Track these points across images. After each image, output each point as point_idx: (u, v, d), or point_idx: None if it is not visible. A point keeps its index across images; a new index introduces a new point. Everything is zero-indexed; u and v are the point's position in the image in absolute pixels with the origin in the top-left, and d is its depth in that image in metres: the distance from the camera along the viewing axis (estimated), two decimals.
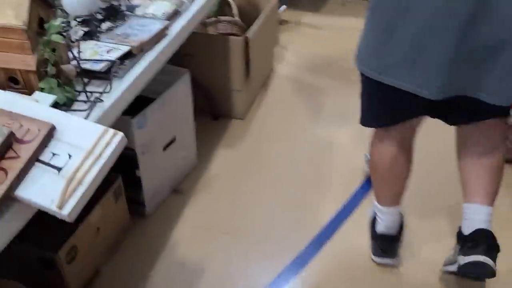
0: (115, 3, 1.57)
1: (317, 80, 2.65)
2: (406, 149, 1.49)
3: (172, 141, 1.82)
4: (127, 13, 1.56)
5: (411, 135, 1.51)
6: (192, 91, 2.16)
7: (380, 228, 1.61)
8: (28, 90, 1.13)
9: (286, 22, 3.10)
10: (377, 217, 1.63)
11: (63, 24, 1.39)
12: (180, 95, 1.80)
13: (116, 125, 1.33)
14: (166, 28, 1.46)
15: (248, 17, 2.55)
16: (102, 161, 0.92)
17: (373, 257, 1.68)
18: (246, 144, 2.22)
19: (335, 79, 2.64)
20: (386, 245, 1.63)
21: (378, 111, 1.45)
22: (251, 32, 2.16)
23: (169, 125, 1.79)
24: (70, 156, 0.92)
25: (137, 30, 1.43)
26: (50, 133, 0.93)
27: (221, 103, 2.32)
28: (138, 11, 1.54)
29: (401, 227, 1.64)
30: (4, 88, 1.13)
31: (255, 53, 2.22)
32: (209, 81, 2.26)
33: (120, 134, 0.94)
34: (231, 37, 2.13)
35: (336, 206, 1.92)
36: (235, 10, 2.51)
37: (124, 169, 1.65)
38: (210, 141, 2.21)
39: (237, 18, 2.47)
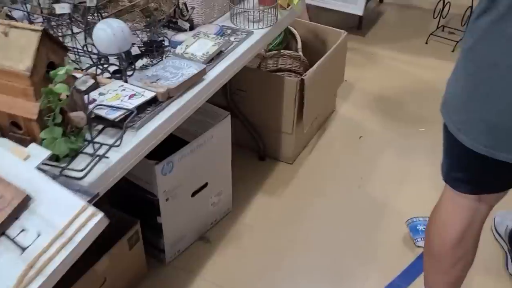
0: (158, 37, 1.47)
1: (382, 126, 2.41)
2: (479, 227, 1.25)
3: (203, 187, 1.68)
4: (168, 49, 1.46)
5: (489, 210, 1.24)
6: (240, 127, 2.03)
7: None
8: (30, 136, 1.04)
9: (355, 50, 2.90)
10: None
11: (88, 64, 1.31)
12: (218, 139, 1.65)
13: (138, 168, 1.23)
14: (201, 73, 1.33)
15: (314, 52, 2.38)
16: (71, 246, 0.78)
17: None
18: (289, 193, 2.03)
19: (402, 127, 2.39)
20: None
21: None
22: (310, 73, 1.98)
23: (202, 170, 1.65)
24: (39, 234, 0.80)
25: (170, 72, 1.31)
26: (23, 204, 0.82)
27: (269, 143, 2.15)
28: (179, 49, 1.43)
29: None
30: (7, 132, 1.05)
31: (312, 95, 2.03)
32: (258, 119, 2.11)
33: (99, 216, 0.81)
34: (286, 77, 1.96)
35: (381, 283, 1.69)
36: (299, 44, 2.34)
37: (144, 214, 1.55)
38: (251, 184, 2.05)
39: (300, 53, 2.30)
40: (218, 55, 1.45)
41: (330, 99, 2.45)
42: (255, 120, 2.10)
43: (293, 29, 2.40)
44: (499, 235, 1.82)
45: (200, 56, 1.40)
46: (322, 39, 2.39)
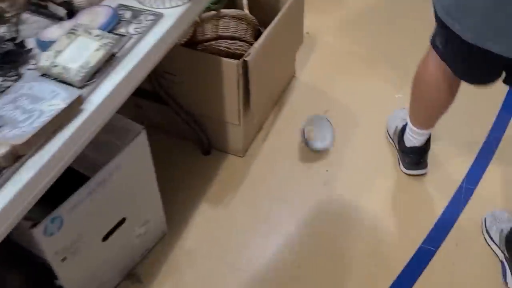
0: (11, 36, 0.98)
1: (351, 94, 1.98)
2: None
3: (120, 223, 1.28)
4: (34, 55, 0.98)
5: None
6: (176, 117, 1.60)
7: (411, 143, 1.64)
8: None
9: None
10: (408, 135, 1.64)
11: None
12: (130, 165, 1.22)
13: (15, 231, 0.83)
14: (73, 105, 0.86)
15: (266, 6, 1.90)
16: None
17: (403, 169, 1.70)
18: (238, 200, 1.63)
19: (376, 94, 1.98)
20: (418, 157, 1.65)
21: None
22: (255, 50, 1.50)
23: (113, 207, 1.23)
24: None
25: (22, 110, 0.83)
26: None
27: (213, 134, 1.73)
28: (44, 60, 0.95)
29: (429, 137, 1.64)
30: None
31: (260, 78, 1.58)
32: (196, 108, 1.66)
33: None
34: (223, 59, 1.48)
35: None
36: (245, 0, 1.84)
37: (38, 279, 1.16)
38: (191, 192, 1.65)
39: (246, 11, 1.81)
40: (107, 63, 0.99)
41: (287, 66, 1.99)
42: (192, 109, 1.65)
43: None
44: (492, 240, 1.51)
45: (76, 71, 0.93)
46: None
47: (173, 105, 1.62)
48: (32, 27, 1.07)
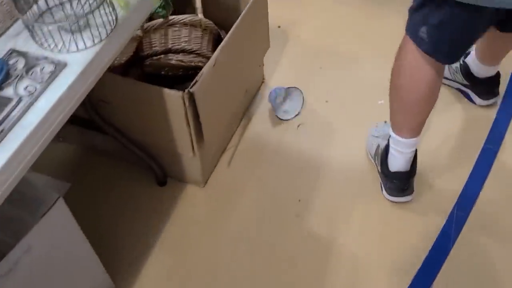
0: None
1: (327, 103, 1.74)
2: (442, 71, 1.27)
3: None
4: None
5: None
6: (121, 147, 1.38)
7: (396, 165, 1.43)
8: None
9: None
10: (392, 153, 1.44)
11: None
12: (49, 239, 1.00)
13: None
14: None
15: (225, 9, 1.64)
16: None
17: (387, 196, 1.48)
18: (198, 245, 1.41)
19: (355, 102, 1.74)
20: (404, 182, 1.45)
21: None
22: (203, 77, 1.23)
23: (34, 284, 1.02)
24: None
25: None
26: None
27: (168, 163, 1.50)
28: None
29: (415, 159, 1.45)
30: None
31: (213, 106, 1.35)
32: (143, 137, 1.42)
33: None
34: (165, 91, 1.21)
35: None
36: (198, 3, 1.57)
37: None
38: (144, 230, 1.43)
39: (200, 16, 1.55)
40: None
41: (253, 74, 1.73)
42: (139, 138, 1.42)
43: None
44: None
45: None
46: None
47: (115, 135, 1.38)
48: None
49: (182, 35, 1.51)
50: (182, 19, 1.49)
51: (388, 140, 1.45)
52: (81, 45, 0.89)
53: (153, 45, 1.49)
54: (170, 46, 1.48)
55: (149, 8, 1.01)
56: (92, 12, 0.88)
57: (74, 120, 1.03)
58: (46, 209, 0.94)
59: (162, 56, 1.48)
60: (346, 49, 1.90)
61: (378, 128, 1.59)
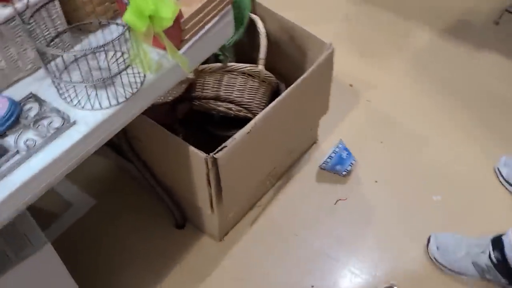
0: None
1: (381, 183, 1.59)
2: None
3: None
4: None
5: None
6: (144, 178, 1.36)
7: None
8: None
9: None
10: None
11: None
12: (33, 279, 0.96)
13: None
14: None
15: (289, 61, 1.56)
16: None
17: None
18: None
19: (410, 192, 1.58)
20: None
21: None
22: (230, 146, 1.17)
23: None
24: None
25: None
26: None
27: (188, 209, 1.46)
28: None
29: None
30: None
31: (239, 175, 1.28)
32: (167, 181, 1.39)
33: None
34: (191, 149, 1.16)
35: None
36: (262, 54, 1.50)
37: None
38: (148, 270, 1.39)
39: (260, 67, 1.48)
40: None
41: (304, 135, 1.64)
42: (162, 180, 1.40)
43: (258, 23, 1.54)
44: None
45: None
46: (300, 46, 1.52)
47: (142, 171, 1.36)
48: None
49: (237, 84, 1.45)
50: (241, 68, 1.44)
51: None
52: (96, 104, 0.86)
53: (205, 88, 1.45)
54: (221, 93, 1.43)
55: (179, 76, 0.96)
56: (119, 73, 0.85)
57: (110, 143, 1.01)
58: (30, 252, 0.94)
59: (211, 100, 1.45)
60: (415, 128, 1.74)
61: (480, 241, 1.35)
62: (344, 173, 1.58)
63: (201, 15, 0.90)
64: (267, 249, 1.45)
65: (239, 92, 1.44)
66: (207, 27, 0.96)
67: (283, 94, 1.31)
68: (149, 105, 0.93)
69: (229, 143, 1.15)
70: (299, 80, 1.33)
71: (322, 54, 1.36)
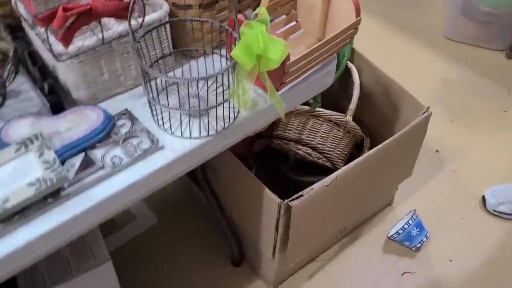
0: None
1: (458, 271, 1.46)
2: None
3: None
4: None
5: None
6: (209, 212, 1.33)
7: None
8: None
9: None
10: None
11: None
12: None
13: None
14: None
15: (377, 116, 1.51)
16: None
17: None
18: None
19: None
20: None
21: None
22: (308, 195, 1.10)
23: None
24: None
25: None
26: None
27: (248, 248, 1.41)
28: None
29: None
30: None
31: (320, 216, 1.22)
32: (231, 214, 1.35)
33: None
34: (266, 191, 1.11)
35: None
36: (353, 101, 1.46)
37: None
38: None
39: (349, 117, 1.43)
40: (35, 207, 0.74)
41: (381, 196, 1.55)
42: (229, 215, 1.37)
43: (354, 72, 1.50)
44: None
45: None
46: (393, 103, 1.46)
47: (211, 201, 1.33)
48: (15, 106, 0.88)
49: (321, 130, 1.41)
50: (328, 115, 1.39)
51: None
52: (187, 132, 0.84)
53: (288, 129, 1.42)
54: (304, 136, 1.39)
55: (272, 117, 0.93)
56: (216, 106, 0.84)
57: None
58: (91, 266, 0.93)
59: (292, 142, 1.41)
60: None
61: None
62: (413, 249, 1.48)
63: (305, 60, 0.87)
64: None
65: (321, 139, 1.40)
66: (308, 73, 0.93)
67: (370, 152, 1.25)
68: (237, 141, 0.90)
69: (306, 192, 1.09)
70: (389, 140, 1.26)
71: (417, 117, 1.29)
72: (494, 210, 1.57)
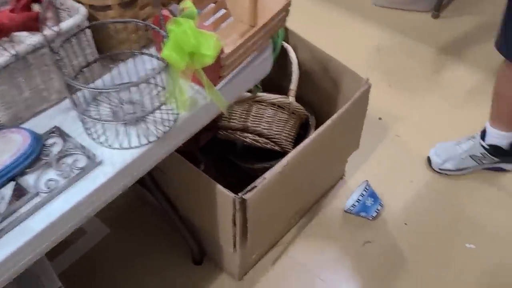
0: None
1: (410, 228, 1.50)
2: None
3: None
4: None
5: None
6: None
7: None
8: None
9: None
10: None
11: None
12: None
13: None
14: None
15: (320, 92, 1.50)
16: None
17: None
18: None
19: (433, 247, 1.48)
20: None
21: None
22: (260, 187, 1.08)
23: None
24: None
25: None
26: None
27: (207, 245, 1.38)
28: None
29: None
30: None
31: (274, 205, 1.20)
32: (188, 215, 1.31)
33: None
34: (218, 188, 1.07)
35: None
36: (293, 85, 1.44)
37: None
38: None
39: (291, 99, 1.41)
40: None
41: (331, 171, 1.56)
42: (183, 212, 1.32)
43: (291, 52, 1.48)
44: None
45: None
46: (333, 78, 1.45)
47: (162, 203, 1.28)
48: None
49: (266, 115, 1.38)
50: (271, 99, 1.37)
51: None
52: (125, 143, 0.79)
53: (232, 118, 1.38)
54: (249, 124, 1.36)
55: (213, 113, 0.89)
56: (153, 112, 0.79)
57: None
58: None
59: (238, 131, 1.38)
60: None
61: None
62: (370, 218, 1.51)
63: (241, 50, 0.84)
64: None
65: (267, 124, 1.37)
66: (245, 62, 0.90)
67: (317, 132, 1.23)
68: (181, 143, 0.86)
69: (259, 182, 1.07)
70: (333, 117, 1.26)
71: (358, 91, 1.29)
72: (439, 169, 1.63)
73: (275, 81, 1.51)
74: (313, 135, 1.24)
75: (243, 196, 1.04)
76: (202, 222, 1.26)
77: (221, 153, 1.53)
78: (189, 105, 0.86)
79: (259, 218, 1.14)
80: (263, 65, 0.96)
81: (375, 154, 1.70)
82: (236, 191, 1.07)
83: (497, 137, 1.52)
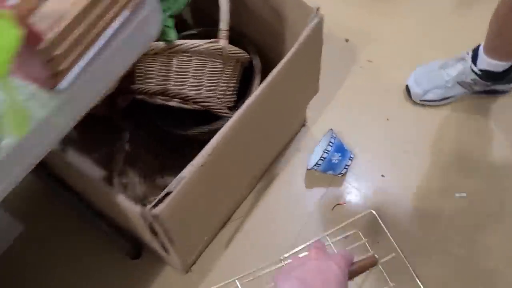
0: None
1: (387, 177, 1.24)
2: None
3: None
4: None
5: None
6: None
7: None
8: None
9: None
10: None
11: None
12: None
13: None
14: None
15: (268, 31, 1.14)
16: None
17: None
18: None
19: (432, 191, 1.24)
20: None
21: None
22: (174, 195, 0.78)
23: None
24: None
25: None
26: None
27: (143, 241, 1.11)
28: None
29: None
30: None
31: (204, 201, 0.92)
32: (106, 212, 1.03)
33: None
34: (124, 201, 0.78)
35: None
36: (223, 24, 1.06)
37: None
38: None
39: (223, 44, 1.06)
40: None
41: (290, 121, 1.25)
42: (99, 209, 1.04)
43: None
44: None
45: None
46: (276, 9, 1.06)
47: (77, 205, 1.01)
48: None
49: (192, 68, 1.05)
50: (195, 46, 1.02)
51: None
52: None
53: (148, 77, 1.05)
54: (170, 85, 1.03)
55: (60, 133, 0.57)
56: None
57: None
58: None
59: (158, 95, 1.05)
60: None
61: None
62: (339, 175, 1.24)
63: (82, 25, 0.50)
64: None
65: (195, 80, 1.04)
66: (104, 37, 0.56)
67: (261, 87, 0.91)
68: (17, 181, 0.56)
69: (173, 186, 0.78)
70: (281, 64, 0.92)
71: (308, 25, 0.95)
72: (421, 100, 1.33)
73: (208, 18, 1.15)
74: (256, 92, 0.92)
75: (153, 212, 0.76)
76: (123, 224, 0.99)
77: (149, 118, 1.21)
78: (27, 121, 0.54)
79: (185, 222, 0.86)
80: (142, 30, 0.61)
81: (342, 87, 1.38)
82: (144, 206, 0.77)
83: (493, 64, 1.21)
